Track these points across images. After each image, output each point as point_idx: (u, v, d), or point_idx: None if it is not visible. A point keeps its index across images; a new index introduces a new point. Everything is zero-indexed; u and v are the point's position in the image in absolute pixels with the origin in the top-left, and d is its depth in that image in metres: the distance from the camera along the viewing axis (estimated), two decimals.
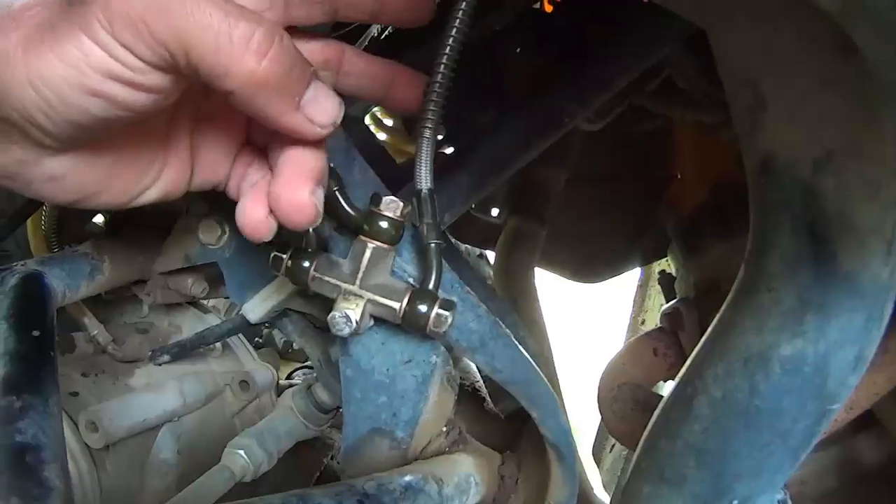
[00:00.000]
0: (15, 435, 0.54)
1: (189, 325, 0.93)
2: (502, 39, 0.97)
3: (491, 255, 1.39)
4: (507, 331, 0.68)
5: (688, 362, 0.69)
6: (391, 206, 0.65)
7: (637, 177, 1.24)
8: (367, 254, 0.65)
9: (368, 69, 0.61)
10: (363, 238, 0.65)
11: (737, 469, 0.68)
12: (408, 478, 0.62)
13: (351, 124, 0.93)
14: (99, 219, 0.89)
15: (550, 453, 0.72)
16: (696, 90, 0.93)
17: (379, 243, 0.65)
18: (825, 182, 0.59)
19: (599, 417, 1.06)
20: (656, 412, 0.71)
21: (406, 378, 0.70)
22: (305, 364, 1.44)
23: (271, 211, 0.52)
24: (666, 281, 1.08)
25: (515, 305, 1.16)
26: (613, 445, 1.39)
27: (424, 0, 0.55)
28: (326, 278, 0.65)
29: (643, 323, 1.58)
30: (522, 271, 1.18)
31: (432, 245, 0.66)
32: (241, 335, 0.98)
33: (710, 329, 0.69)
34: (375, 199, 0.65)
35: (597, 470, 1.45)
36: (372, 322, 0.68)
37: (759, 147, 0.63)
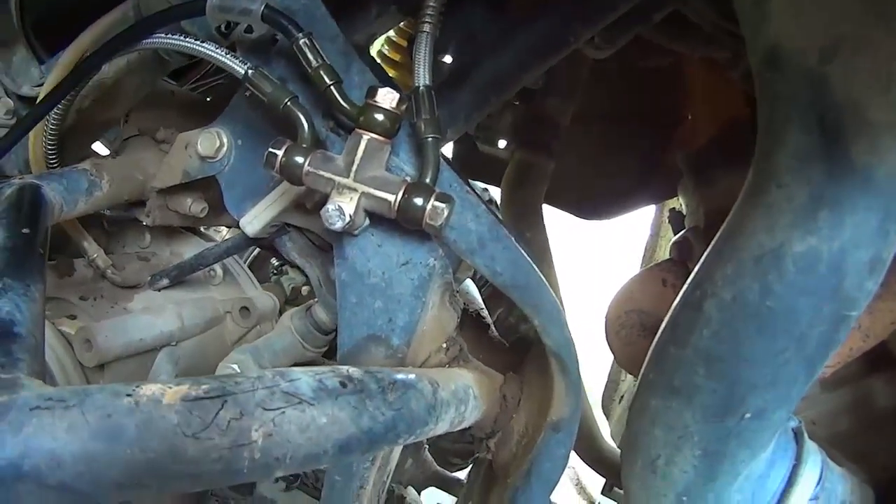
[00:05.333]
0: None
1: (191, 252, 0.92)
2: None
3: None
4: (508, 233, 0.66)
5: (697, 266, 0.66)
6: (387, 98, 0.63)
7: (646, 117, 1.21)
8: (362, 146, 0.63)
9: None
10: (358, 130, 0.64)
11: (750, 378, 0.64)
12: (400, 373, 0.60)
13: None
14: (100, 147, 0.89)
15: (553, 364, 0.69)
16: (705, 22, 0.91)
17: (374, 135, 0.63)
18: (834, 71, 0.57)
19: (610, 364, 1.03)
20: (665, 320, 0.68)
21: (403, 281, 0.68)
22: None
23: None
24: (676, 218, 1.05)
25: (523, 239, 1.13)
26: (622, 397, 1.35)
27: None
28: (321, 172, 0.63)
29: None
30: (530, 204, 1.15)
31: (429, 139, 0.65)
32: (244, 266, 0.97)
33: (719, 232, 0.66)
34: (371, 91, 0.64)
35: (606, 422, 1.41)
36: (367, 221, 0.67)
37: (764, 40, 0.60)
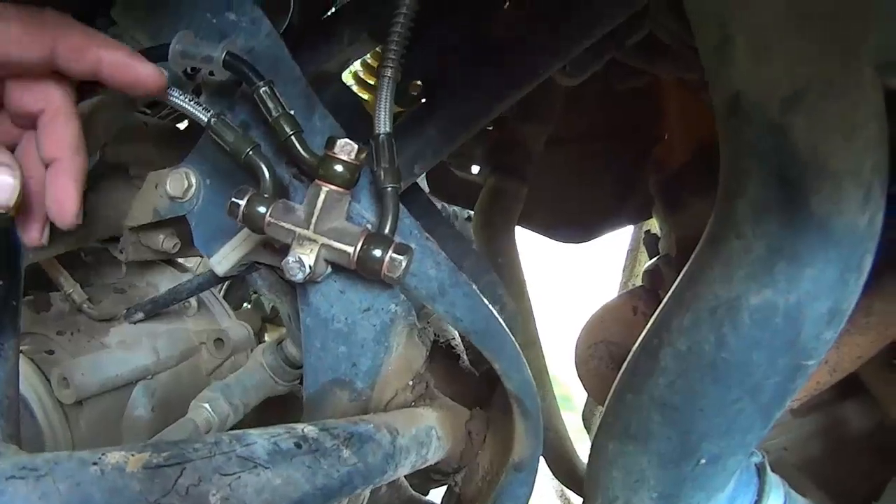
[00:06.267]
0: None
1: (166, 284, 0.93)
2: None
3: None
4: (467, 279, 0.67)
5: (656, 312, 0.67)
6: (345, 149, 0.63)
7: (623, 138, 1.21)
8: (322, 198, 0.64)
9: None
10: (318, 182, 0.64)
11: (704, 427, 0.65)
12: (357, 426, 0.61)
13: (326, 80, 0.92)
14: None
15: (514, 407, 0.70)
16: (678, 44, 0.90)
17: (333, 187, 0.63)
18: (795, 121, 0.56)
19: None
20: (624, 365, 0.69)
21: (365, 327, 0.69)
22: None
23: None
24: (651, 241, 1.05)
25: (495, 265, 1.14)
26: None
27: (144, 78, 0.59)
28: (281, 223, 0.64)
29: None
30: (503, 229, 1.16)
31: (389, 189, 0.65)
32: (221, 298, 0.98)
33: (678, 279, 0.66)
34: (330, 143, 0.64)
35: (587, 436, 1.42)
36: (329, 269, 0.67)
37: (726, 87, 0.60)
